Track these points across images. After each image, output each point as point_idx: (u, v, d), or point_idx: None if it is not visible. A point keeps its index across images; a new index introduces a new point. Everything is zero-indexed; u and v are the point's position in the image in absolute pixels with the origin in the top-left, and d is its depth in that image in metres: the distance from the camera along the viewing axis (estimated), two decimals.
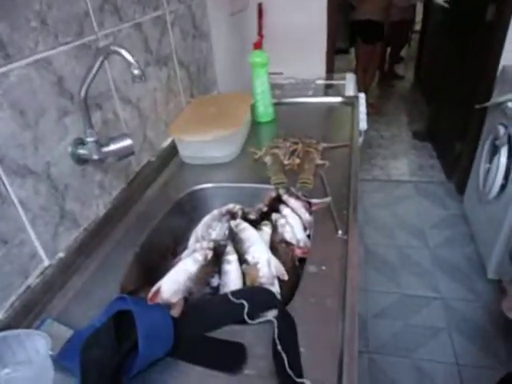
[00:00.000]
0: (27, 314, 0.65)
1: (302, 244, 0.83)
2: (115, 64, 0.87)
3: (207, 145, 1.05)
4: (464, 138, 2.32)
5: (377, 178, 2.74)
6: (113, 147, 0.76)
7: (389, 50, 4.38)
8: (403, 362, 1.55)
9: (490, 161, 1.83)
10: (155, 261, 0.87)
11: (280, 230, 0.82)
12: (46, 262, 0.71)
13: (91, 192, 0.82)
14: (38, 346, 0.56)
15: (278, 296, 0.62)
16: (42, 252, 0.70)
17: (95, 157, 0.76)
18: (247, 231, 0.70)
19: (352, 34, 3.54)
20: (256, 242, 0.68)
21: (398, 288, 1.86)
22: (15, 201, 0.63)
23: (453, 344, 1.59)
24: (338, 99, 1.46)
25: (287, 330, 0.56)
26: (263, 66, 1.23)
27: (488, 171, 1.85)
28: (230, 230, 0.72)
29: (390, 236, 2.18)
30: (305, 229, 0.86)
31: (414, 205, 2.46)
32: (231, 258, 0.66)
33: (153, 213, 0.91)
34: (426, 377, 1.49)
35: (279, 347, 0.53)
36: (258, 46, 1.19)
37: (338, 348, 0.56)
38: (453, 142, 2.50)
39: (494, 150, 1.80)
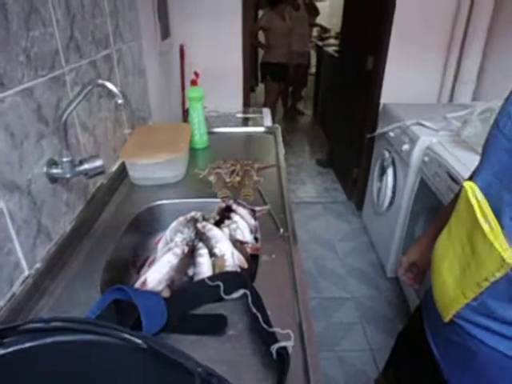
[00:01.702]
0: (14, 320, 0.70)
1: (250, 245, 1.00)
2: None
3: (157, 167, 1.17)
4: (359, 164, 2.76)
5: (290, 200, 3.05)
6: (86, 166, 0.86)
7: (290, 89, 4.95)
8: (328, 356, 1.77)
9: (380, 180, 2.25)
10: (118, 274, 0.95)
11: (232, 233, 0.98)
12: (27, 272, 0.76)
13: (60, 209, 0.89)
14: None
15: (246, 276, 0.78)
16: (23, 262, 0.75)
17: (68, 175, 0.84)
18: (213, 230, 0.85)
19: (260, 74, 3.97)
20: (221, 239, 0.84)
21: (318, 293, 2.11)
22: (6, 213, 0.70)
23: (365, 334, 1.87)
24: (261, 129, 1.70)
25: (256, 298, 0.72)
26: (199, 100, 1.41)
27: (379, 189, 2.26)
28: (197, 230, 0.87)
29: (307, 249, 2.46)
30: (251, 232, 1.04)
31: (323, 222, 2.81)
32: (203, 251, 0.80)
33: (113, 229, 1.00)
34: (347, 365, 1.73)
35: (254, 309, 0.68)
36: (194, 83, 1.37)
37: (295, 308, 0.74)
38: (350, 167, 2.94)
39: (383, 171, 2.22)
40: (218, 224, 1.00)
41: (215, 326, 0.69)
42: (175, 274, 0.75)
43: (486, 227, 0.55)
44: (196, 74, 1.40)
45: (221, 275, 0.77)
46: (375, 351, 1.78)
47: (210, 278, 0.75)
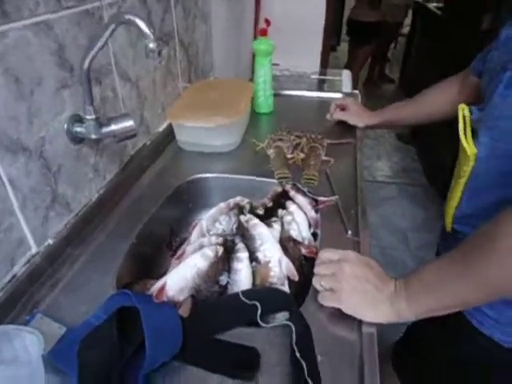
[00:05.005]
0: (13, 307, 0.59)
1: (306, 242, 0.80)
2: (116, 37, 0.80)
3: (208, 132, 0.99)
4: (449, 144, 2.35)
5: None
6: (114, 127, 0.70)
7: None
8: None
9: None
10: (150, 252, 0.81)
11: (286, 227, 0.78)
12: (34, 249, 0.64)
13: (85, 174, 0.76)
14: (27, 344, 0.49)
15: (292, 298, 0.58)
16: (30, 238, 0.63)
17: (93, 136, 0.69)
18: (258, 228, 0.65)
19: (346, 32, 3.54)
20: (268, 240, 0.64)
21: None
22: (5, 180, 0.56)
23: None
24: (338, 95, 1.43)
25: (303, 335, 0.53)
26: (267, 54, 1.18)
27: None
28: (240, 225, 0.68)
29: (375, 236, 2.19)
30: (309, 226, 0.83)
31: (397, 206, 2.49)
32: (242, 255, 0.61)
33: (149, 200, 0.85)
34: None
35: (298, 354, 0.49)
36: (263, 32, 1.14)
37: (357, 353, 0.54)
38: (437, 146, 2.53)
39: None
40: (270, 213, 0.81)
41: (243, 365, 0.51)
42: (202, 283, 0.57)
43: (461, 133, 0.66)
44: (267, 21, 1.16)
45: (259, 292, 0.58)
46: None
47: (246, 294, 0.57)
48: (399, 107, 1.09)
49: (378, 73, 4.53)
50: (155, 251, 0.83)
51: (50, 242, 0.67)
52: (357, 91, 1.57)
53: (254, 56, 1.22)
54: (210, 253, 0.58)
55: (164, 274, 0.76)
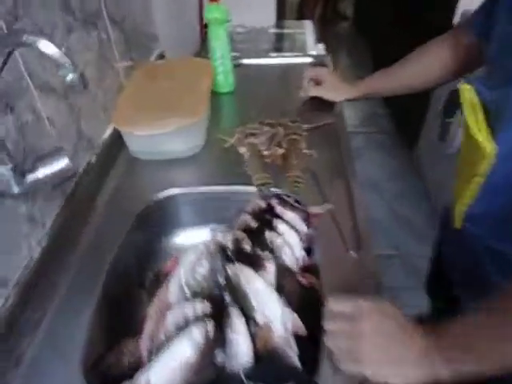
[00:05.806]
0: None
1: (300, 262, 0.69)
2: None
3: (165, 137, 0.82)
4: None
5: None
6: (42, 172, 0.53)
7: None
8: None
9: (451, 115, 1.79)
10: (120, 301, 0.68)
11: (278, 253, 0.66)
12: None
13: (17, 232, 0.59)
14: None
15: (304, 373, 0.48)
16: None
17: (15, 190, 0.52)
18: (252, 282, 0.53)
19: None
20: (265, 295, 0.52)
21: None
22: None
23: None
24: (307, 59, 1.26)
25: None
26: (222, 22, 0.98)
27: (448, 125, 1.81)
28: (227, 278, 0.55)
29: None
30: (301, 241, 0.72)
31: (366, 157, 2.42)
32: (238, 323, 0.49)
33: (108, 236, 0.70)
34: None
35: None
36: None
37: None
38: None
39: (453, 105, 1.75)
40: (257, 238, 0.68)
41: None
42: (193, 374, 0.46)
43: (474, 125, 0.57)
44: None
45: (264, 369, 0.48)
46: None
47: (248, 375, 0.46)
48: (382, 78, 0.95)
49: (332, 10, 4.25)
50: (125, 297, 0.70)
51: None
52: (325, 53, 1.40)
53: (206, 26, 1.01)
54: (197, 336, 0.46)
55: (141, 327, 0.64)
